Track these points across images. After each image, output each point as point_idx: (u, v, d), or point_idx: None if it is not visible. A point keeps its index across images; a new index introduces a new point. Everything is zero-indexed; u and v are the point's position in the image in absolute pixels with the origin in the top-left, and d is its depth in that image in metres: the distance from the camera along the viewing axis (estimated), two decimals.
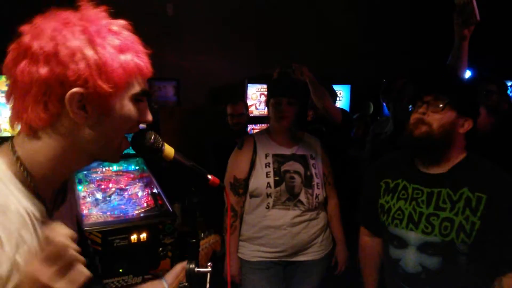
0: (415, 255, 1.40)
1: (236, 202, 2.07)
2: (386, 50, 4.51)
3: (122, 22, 0.77)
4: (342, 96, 4.62)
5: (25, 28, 0.73)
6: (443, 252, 1.35)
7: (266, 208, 2.00)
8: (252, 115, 3.76)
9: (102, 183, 2.95)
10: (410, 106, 1.46)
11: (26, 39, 0.71)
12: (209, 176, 0.93)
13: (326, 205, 2.14)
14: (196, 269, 0.92)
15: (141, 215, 2.62)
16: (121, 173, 3.13)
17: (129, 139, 0.85)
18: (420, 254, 1.39)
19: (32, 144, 0.74)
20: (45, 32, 0.71)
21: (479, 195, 1.31)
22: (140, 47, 0.77)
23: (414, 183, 1.45)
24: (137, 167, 3.21)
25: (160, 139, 0.86)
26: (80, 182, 2.89)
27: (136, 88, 0.77)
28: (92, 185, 2.90)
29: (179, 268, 1.09)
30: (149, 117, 0.81)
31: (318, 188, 2.00)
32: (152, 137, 0.84)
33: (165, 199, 2.73)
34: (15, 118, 0.75)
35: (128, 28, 0.77)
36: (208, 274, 0.93)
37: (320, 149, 2.12)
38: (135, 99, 0.78)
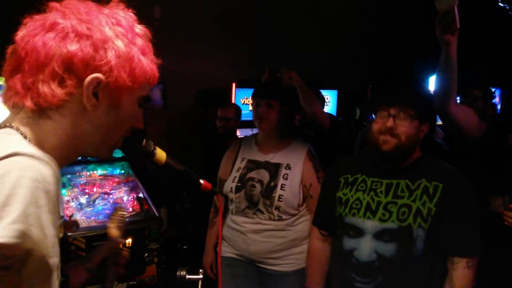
0: (371, 242, 1.42)
1: (220, 201, 2.09)
2: (374, 55, 4.56)
3: (143, 28, 0.79)
4: (329, 101, 4.64)
5: (52, 4, 0.72)
6: (399, 238, 1.39)
7: (231, 212, 2.03)
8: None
9: (86, 187, 2.89)
10: (371, 116, 1.51)
11: (54, 15, 0.70)
12: (201, 181, 0.91)
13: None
14: (187, 276, 0.90)
15: (127, 220, 2.57)
16: (106, 177, 3.07)
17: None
18: (376, 242, 1.41)
19: (42, 124, 0.70)
20: (79, 12, 0.70)
21: (436, 184, 1.40)
22: (153, 56, 0.79)
23: (373, 177, 1.51)
24: (123, 171, 3.15)
25: (152, 143, 0.84)
26: (64, 186, 2.82)
27: (144, 92, 0.78)
28: (76, 189, 2.84)
29: (104, 249, 1.15)
30: (142, 124, 0.81)
31: (279, 200, 1.91)
32: (144, 140, 0.82)
33: (151, 204, 2.68)
34: (16, 94, 0.70)
35: (147, 35, 0.79)
36: (200, 282, 0.91)
37: (305, 157, 2.01)
38: (140, 102, 0.78)
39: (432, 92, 1.92)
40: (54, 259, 0.61)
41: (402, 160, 1.47)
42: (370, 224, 1.44)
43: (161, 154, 0.85)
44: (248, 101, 3.94)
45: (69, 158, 0.75)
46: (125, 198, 2.84)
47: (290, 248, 1.98)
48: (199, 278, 0.91)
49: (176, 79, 3.90)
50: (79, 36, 0.68)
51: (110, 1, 0.76)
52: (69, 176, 2.96)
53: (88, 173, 3.09)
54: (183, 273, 0.89)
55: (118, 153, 3.11)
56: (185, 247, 0.90)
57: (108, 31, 0.70)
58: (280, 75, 2.38)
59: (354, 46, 4.54)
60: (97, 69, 0.69)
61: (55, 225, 0.61)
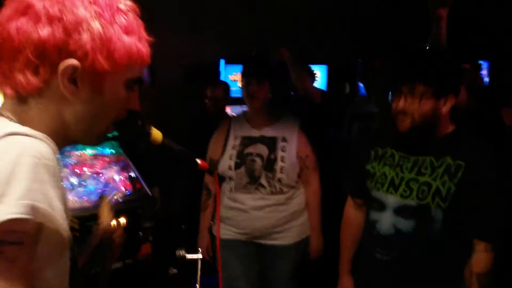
0: (391, 217, 1.46)
1: (211, 182, 2.11)
2: (363, 29, 4.52)
3: (130, 3, 0.74)
4: (319, 77, 4.62)
5: None
6: (417, 216, 1.42)
7: (230, 190, 2.02)
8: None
9: (76, 167, 2.86)
10: (390, 96, 1.49)
11: None
12: (198, 161, 0.91)
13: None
14: (187, 256, 0.90)
15: (120, 200, 2.56)
16: (96, 156, 3.03)
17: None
18: (396, 217, 1.45)
19: (27, 111, 0.69)
20: None
21: (459, 163, 1.38)
22: (143, 33, 0.75)
23: (402, 151, 1.51)
24: (113, 151, 3.11)
25: (147, 123, 0.83)
26: None
27: (132, 74, 0.74)
28: (66, 170, 2.81)
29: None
30: (137, 106, 0.80)
31: (281, 172, 1.97)
32: (139, 120, 0.81)
33: (143, 183, 2.67)
34: None
35: (135, 11, 0.74)
36: (199, 260, 0.92)
37: (297, 131, 2.07)
38: (128, 85, 0.75)
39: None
40: (66, 232, 0.62)
41: (424, 138, 1.46)
42: (392, 199, 1.47)
43: (157, 134, 0.84)
44: (237, 78, 3.91)
45: (61, 144, 0.73)
46: (116, 178, 2.83)
47: (290, 221, 2.04)
48: (198, 258, 0.91)
49: (163, 56, 3.83)
50: (50, 19, 0.65)
51: None
52: (58, 156, 2.92)
53: (78, 153, 3.05)
54: (182, 252, 0.90)
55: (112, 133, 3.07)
56: (183, 226, 0.90)
57: (83, 12, 0.66)
58: (270, 51, 2.37)
59: (342, 20, 4.49)
60: (71, 55, 0.66)
61: (61, 199, 0.62)
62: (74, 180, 2.75)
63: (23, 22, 0.65)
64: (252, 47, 2.45)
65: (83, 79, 0.68)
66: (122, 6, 0.71)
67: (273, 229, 2.00)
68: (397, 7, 4.38)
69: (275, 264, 2.07)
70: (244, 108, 2.19)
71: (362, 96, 3.92)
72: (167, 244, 2.37)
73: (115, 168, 2.99)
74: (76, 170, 2.86)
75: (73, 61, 0.66)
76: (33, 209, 0.55)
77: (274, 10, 4.18)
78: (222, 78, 3.84)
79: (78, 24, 0.65)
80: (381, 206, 1.51)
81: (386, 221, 1.47)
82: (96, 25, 0.66)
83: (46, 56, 0.65)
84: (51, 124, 0.70)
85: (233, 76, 3.89)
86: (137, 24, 0.74)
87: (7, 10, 0.67)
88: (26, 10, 0.65)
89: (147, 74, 4.06)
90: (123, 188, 2.71)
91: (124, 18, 0.71)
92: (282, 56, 2.32)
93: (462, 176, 1.37)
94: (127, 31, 0.70)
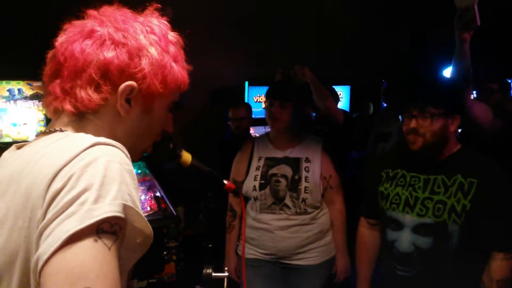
0: (410, 235, 1.52)
1: (236, 203, 2.13)
2: (386, 51, 4.52)
3: (176, 35, 0.81)
4: (342, 97, 4.63)
5: (90, 12, 0.75)
6: (435, 233, 1.47)
7: (255, 211, 2.03)
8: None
9: None
10: (400, 117, 1.57)
11: (92, 22, 0.73)
12: (225, 181, 0.93)
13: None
14: (213, 274, 0.92)
15: (145, 219, 2.61)
16: None
17: None
18: (414, 235, 1.51)
19: (84, 127, 0.74)
20: (116, 20, 0.73)
21: (471, 180, 1.44)
22: (184, 62, 0.82)
23: (412, 171, 1.57)
24: (139, 171, 3.20)
25: (178, 145, 0.86)
26: None
27: (175, 97, 0.81)
28: None
29: None
30: (171, 128, 0.86)
31: (306, 192, 1.97)
32: (171, 143, 0.84)
33: (168, 203, 2.72)
34: (56, 98, 0.73)
35: (179, 42, 0.81)
36: (225, 279, 0.93)
37: (320, 151, 2.08)
38: (170, 107, 0.81)
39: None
40: (149, 228, 0.67)
41: (435, 156, 1.52)
42: (409, 219, 1.52)
43: (186, 156, 0.88)
44: (261, 99, 3.96)
45: None
46: (142, 197, 2.89)
47: (315, 242, 2.03)
48: (225, 276, 0.93)
49: (189, 78, 3.93)
50: (115, 43, 0.71)
51: (145, 8, 0.79)
52: None
53: None
54: (209, 271, 0.92)
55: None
56: (210, 245, 0.92)
57: (143, 39, 0.73)
58: (294, 73, 2.39)
59: (365, 41, 4.51)
60: (131, 76, 0.72)
61: (139, 200, 0.67)
62: None
63: (87, 44, 0.71)
64: (275, 69, 2.49)
65: (137, 99, 0.74)
66: (171, 38, 0.79)
67: (298, 250, 1.99)
68: (421, 28, 4.38)
69: (300, 285, 2.05)
70: (268, 129, 2.22)
71: (382, 114, 3.90)
72: (193, 262, 2.38)
73: (142, 188, 3.07)
74: None
75: (133, 83, 0.72)
76: (125, 207, 0.61)
77: (297, 32, 4.25)
78: (246, 99, 3.90)
79: (139, 50, 0.72)
80: (398, 226, 1.55)
81: (405, 239, 1.52)
82: (154, 52, 0.73)
83: (108, 76, 0.71)
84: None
85: (257, 98, 3.95)
86: (181, 54, 0.81)
87: (68, 33, 0.73)
88: (91, 34, 0.72)
89: None
90: (148, 208, 2.76)
91: (173, 48, 0.78)
92: (305, 77, 2.34)
93: (475, 193, 1.42)
94: (175, 59, 0.78)
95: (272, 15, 4.22)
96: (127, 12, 0.77)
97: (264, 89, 3.86)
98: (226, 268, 0.97)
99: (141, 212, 0.66)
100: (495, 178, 1.45)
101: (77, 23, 0.74)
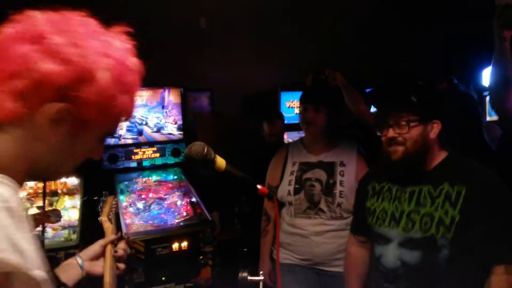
0: (396, 250, 1.42)
1: (271, 208, 2.15)
2: (421, 52, 4.42)
3: (138, 62, 0.73)
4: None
5: (50, 14, 0.66)
6: (423, 247, 1.36)
7: (290, 216, 2.03)
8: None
9: (142, 192, 3.03)
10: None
11: (46, 26, 0.64)
12: (259, 186, 0.95)
13: None
14: (249, 278, 0.93)
15: (181, 224, 2.67)
16: (160, 182, 3.20)
17: (184, 150, 0.88)
18: (401, 249, 1.41)
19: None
20: (73, 33, 0.65)
21: (458, 189, 1.33)
22: (136, 93, 0.75)
23: (398, 184, 1.49)
24: (175, 177, 3.27)
25: (212, 151, 0.88)
26: (122, 192, 2.98)
27: (111, 128, 0.75)
28: (133, 195, 2.99)
29: (97, 247, 1.06)
30: (99, 157, 0.78)
31: (341, 197, 1.96)
32: (205, 149, 0.87)
33: (203, 208, 2.77)
34: None
35: (139, 70, 0.73)
36: (261, 283, 0.94)
37: (356, 156, 2.06)
38: (101, 138, 0.75)
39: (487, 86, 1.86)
40: (39, 272, 0.58)
41: (418, 165, 1.43)
42: (395, 233, 1.44)
43: (221, 161, 0.90)
44: (294, 104, 3.96)
45: (30, 174, 0.70)
46: (178, 203, 2.96)
47: None
48: (260, 280, 0.94)
49: (223, 86, 4.00)
50: (62, 59, 0.62)
51: (118, 24, 0.72)
52: (126, 182, 3.11)
53: (143, 180, 3.23)
54: (244, 274, 0.93)
55: (170, 160, 3.25)
56: (245, 249, 0.94)
57: (95, 62, 0.65)
58: (325, 77, 2.39)
59: (399, 43, 4.43)
60: (68, 99, 0.64)
61: (29, 239, 0.58)
62: (140, 205, 2.92)
63: (31, 50, 0.62)
64: (307, 74, 2.49)
65: (67, 121, 0.66)
66: (130, 64, 0.71)
67: (335, 256, 1.97)
68: (450, 30, 4.26)
69: None
70: (301, 133, 2.22)
71: None
72: (229, 267, 2.41)
73: (178, 193, 3.14)
74: (142, 195, 3.04)
75: (64, 106, 0.64)
76: (1, 261, 0.52)
77: (331, 35, 4.24)
78: (279, 106, 3.92)
79: (87, 73, 0.64)
80: (385, 241, 1.48)
81: (390, 254, 1.44)
82: (102, 79, 0.65)
83: (43, 89, 0.62)
84: (19, 154, 0.66)
85: (289, 103, 3.96)
86: (137, 84, 0.73)
87: (14, 28, 0.64)
88: (39, 40, 0.62)
89: (207, 104, 4.26)
90: (184, 213, 2.83)
91: (130, 77, 0.70)
92: (336, 81, 2.33)
93: (464, 202, 1.31)
94: (127, 89, 0.70)
95: (303, 19, 4.23)
96: (90, 25, 0.69)
97: (296, 94, 3.86)
98: (261, 272, 0.98)
99: (31, 253, 0.57)
100: (486, 183, 1.32)
101: (29, 20, 0.65)
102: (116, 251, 1.06)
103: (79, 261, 1.03)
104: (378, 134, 1.47)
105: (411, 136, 1.38)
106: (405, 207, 1.44)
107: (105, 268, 1.03)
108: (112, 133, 0.71)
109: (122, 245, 1.11)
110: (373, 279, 1.59)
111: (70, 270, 1.02)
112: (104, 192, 1.31)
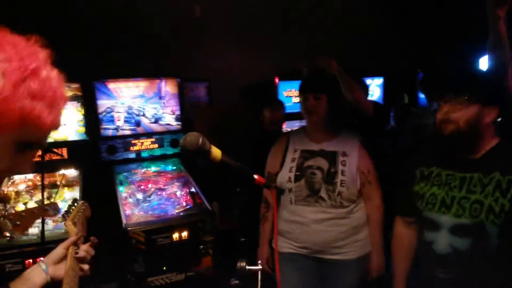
0: (447, 237, 1.44)
1: (270, 195, 2.15)
2: (418, 41, 4.40)
3: (55, 71, 0.71)
4: (375, 89, 4.54)
5: None
6: (473, 234, 1.38)
7: (290, 203, 2.03)
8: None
9: (141, 183, 3.04)
10: (436, 104, 1.50)
11: None
12: (255, 176, 0.95)
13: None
14: (247, 267, 0.94)
15: (181, 214, 2.69)
16: (159, 173, 3.21)
17: (180, 139, 0.87)
18: (452, 236, 1.43)
19: None
20: None
21: (509, 178, 1.34)
22: (58, 102, 0.72)
23: (448, 169, 1.50)
24: (174, 167, 3.28)
25: (207, 142, 0.88)
26: (121, 183, 2.98)
27: (26, 138, 0.70)
28: (132, 186, 3.00)
29: (60, 250, 1.05)
30: (29, 170, 0.74)
31: (342, 186, 1.95)
32: (200, 140, 0.87)
33: (203, 198, 2.78)
34: None
35: (59, 80, 0.71)
36: (259, 272, 0.95)
37: (358, 146, 2.06)
38: (18, 147, 0.70)
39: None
40: None
41: (467, 147, 1.44)
42: (445, 219, 1.45)
43: (216, 152, 0.89)
44: (292, 94, 3.95)
45: None
46: (178, 193, 2.97)
47: (351, 236, 2.00)
48: (259, 269, 0.95)
49: (220, 76, 3.98)
50: None
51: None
52: (125, 174, 3.12)
53: (142, 171, 3.23)
54: (243, 264, 0.94)
55: (169, 150, 3.26)
56: (242, 239, 0.94)
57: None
58: (320, 63, 2.36)
59: (398, 31, 4.40)
60: None
61: None
62: (139, 195, 2.94)
63: None
64: (306, 63, 2.48)
65: None
66: (42, 72, 0.68)
67: (334, 244, 1.97)
68: (453, 15, 4.22)
69: (336, 279, 2.03)
70: (300, 123, 2.21)
71: (423, 108, 3.78)
72: (230, 256, 2.42)
73: (177, 184, 3.15)
74: (141, 186, 3.05)
75: None
76: None
77: (327, 24, 4.21)
78: (277, 94, 3.90)
79: None
80: (435, 227, 1.49)
81: (442, 241, 1.46)
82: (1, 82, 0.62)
83: None
84: None
85: (287, 92, 3.94)
86: (53, 92, 0.70)
87: None
88: None
89: (204, 94, 4.25)
90: (184, 203, 2.84)
91: (36, 83, 0.67)
92: (331, 69, 2.31)
93: None
94: (34, 96, 0.66)
95: (301, 7, 4.20)
96: (7, 36, 0.67)
97: (294, 84, 3.84)
98: (259, 262, 0.99)
99: None
100: None
101: None
102: (77, 253, 1.06)
103: (43, 266, 1.02)
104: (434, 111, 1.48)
105: (463, 115, 1.38)
106: (456, 193, 1.45)
107: (65, 270, 1.02)
108: (38, 145, 0.66)
109: (85, 246, 1.10)
110: (422, 263, 1.60)
111: (32, 279, 1.00)
112: (76, 199, 1.30)
